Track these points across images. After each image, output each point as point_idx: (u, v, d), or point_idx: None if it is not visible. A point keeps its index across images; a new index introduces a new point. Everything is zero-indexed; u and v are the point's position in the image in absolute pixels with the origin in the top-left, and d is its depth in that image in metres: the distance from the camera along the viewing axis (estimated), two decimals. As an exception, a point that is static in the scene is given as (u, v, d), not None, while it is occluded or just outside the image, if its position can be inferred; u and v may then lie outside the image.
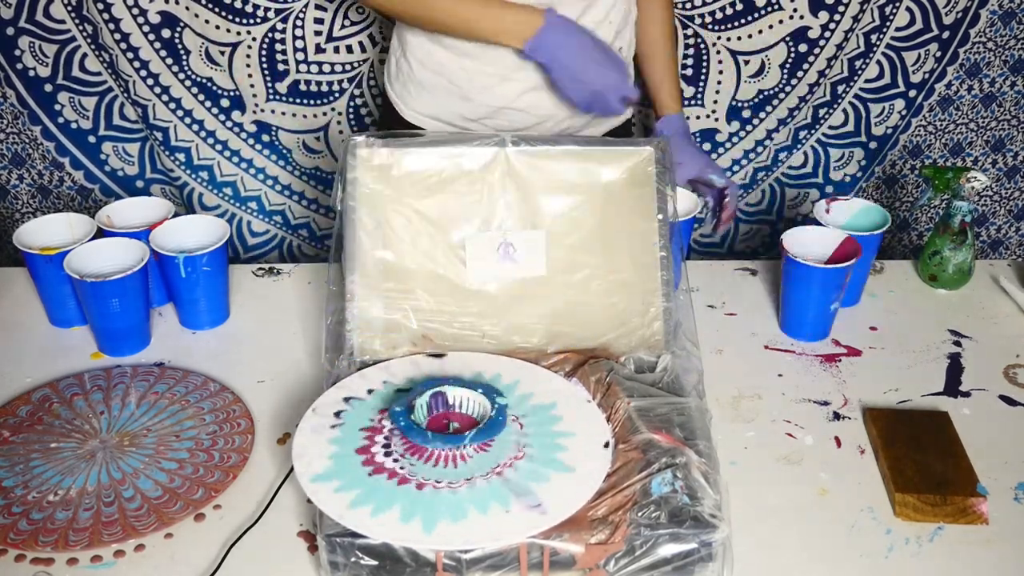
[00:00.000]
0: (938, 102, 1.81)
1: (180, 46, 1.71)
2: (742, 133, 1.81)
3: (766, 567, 0.93)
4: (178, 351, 1.23)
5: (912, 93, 1.79)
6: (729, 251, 1.95)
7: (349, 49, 1.73)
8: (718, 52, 1.73)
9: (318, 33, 1.71)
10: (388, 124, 1.44)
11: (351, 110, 1.78)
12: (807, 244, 1.26)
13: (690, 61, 1.74)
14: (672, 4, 1.45)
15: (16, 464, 1.03)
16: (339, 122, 1.80)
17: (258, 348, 1.24)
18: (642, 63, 1.45)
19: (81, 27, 1.70)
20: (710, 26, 1.71)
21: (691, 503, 0.90)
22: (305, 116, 1.79)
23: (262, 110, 1.78)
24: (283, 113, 1.78)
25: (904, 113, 1.80)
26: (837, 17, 1.69)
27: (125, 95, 1.76)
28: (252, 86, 1.75)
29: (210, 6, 1.67)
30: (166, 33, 1.69)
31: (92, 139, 1.81)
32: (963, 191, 1.33)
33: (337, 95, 1.77)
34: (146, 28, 1.68)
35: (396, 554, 0.86)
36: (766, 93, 1.77)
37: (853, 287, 1.32)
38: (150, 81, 1.72)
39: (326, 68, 1.74)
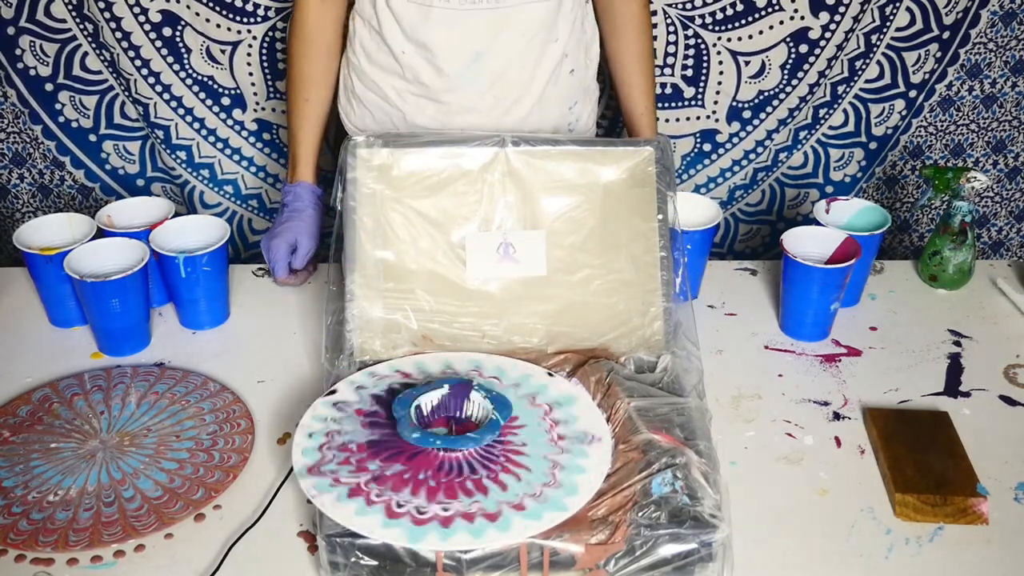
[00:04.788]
0: (938, 103, 1.80)
1: (181, 45, 1.71)
2: (742, 134, 1.80)
3: (766, 567, 0.93)
4: (178, 351, 1.23)
5: (912, 93, 1.78)
6: (729, 251, 1.95)
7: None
8: (718, 53, 1.73)
9: (319, 32, 1.71)
10: (341, 136, 1.45)
11: (351, 110, 1.78)
12: (807, 244, 1.26)
13: (690, 62, 1.74)
14: (649, 31, 1.43)
15: (16, 464, 1.03)
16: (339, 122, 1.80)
17: (258, 348, 1.24)
18: (620, 90, 1.45)
19: (82, 26, 1.70)
20: (710, 27, 1.71)
21: (691, 503, 0.90)
22: (305, 116, 1.79)
23: (263, 108, 1.78)
24: (283, 112, 1.78)
25: (904, 113, 1.80)
26: (838, 18, 1.69)
27: (126, 94, 1.76)
28: (253, 85, 1.75)
29: (211, 5, 1.67)
30: (167, 32, 1.69)
31: (93, 138, 1.81)
32: (963, 191, 1.33)
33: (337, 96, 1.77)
34: (147, 27, 1.68)
35: (396, 554, 0.86)
36: (766, 94, 1.77)
37: (853, 287, 1.32)
38: (151, 80, 1.72)
39: (326, 68, 1.74)
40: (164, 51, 1.70)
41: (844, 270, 1.21)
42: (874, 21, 1.70)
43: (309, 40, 1.35)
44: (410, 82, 1.32)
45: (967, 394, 1.17)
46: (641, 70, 1.42)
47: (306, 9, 1.35)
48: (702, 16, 1.70)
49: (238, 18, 1.69)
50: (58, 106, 1.77)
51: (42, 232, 1.29)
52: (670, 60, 1.74)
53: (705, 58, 1.74)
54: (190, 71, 1.73)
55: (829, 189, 1.88)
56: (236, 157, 1.82)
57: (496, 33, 1.27)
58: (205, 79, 1.74)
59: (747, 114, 1.79)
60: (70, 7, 1.68)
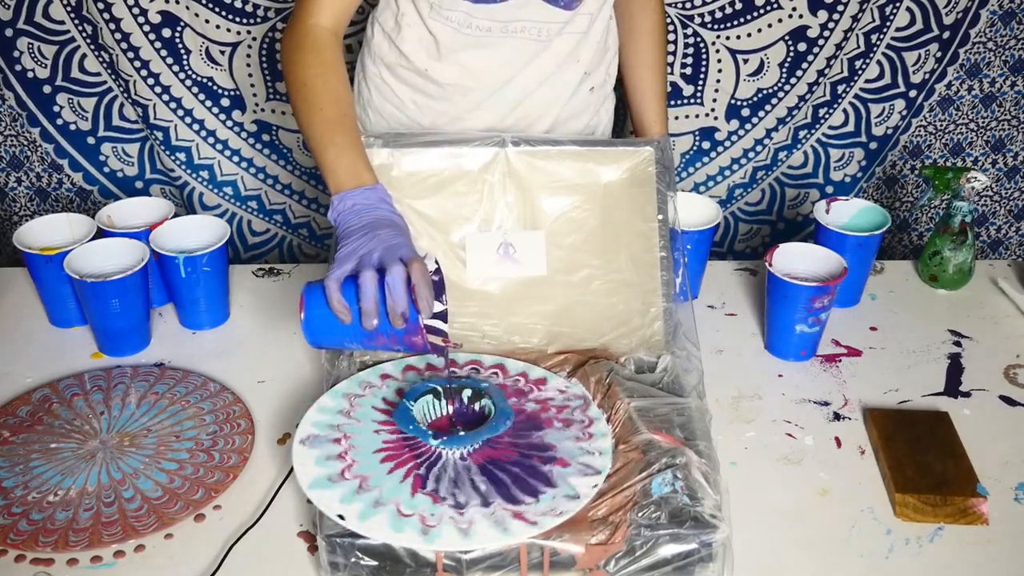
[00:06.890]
0: (938, 102, 1.80)
1: (180, 46, 1.70)
2: (741, 132, 1.80)
3: (766, 567, 0.93)
4: (178, 351, 1.23)
5: (912, 93, 1.79)
6: (729, 251, 1.95)
7: (349, 49, 1.72)
8: (717, 51, 1.73)
9: (318, 33, 1.71)
10: None
11: (351, 110, 1.78)
12: (809, 261, 1.23)
13: (689, 60, 1.74)
14: (664, 41, 1.41)
15: (16, 464, 1.03)
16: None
17: (258, 348, 1.24)
18: (631, 96, 1.40)
19: (80, 27, 1.70)
20: (709, 25, 1.71)
21: (691, 503, 0.90)
22: (305, 116, 1.79)
23: (262, 110, 1.78)
24: (283, 113, 1.78)
25: (904, 113, 1.80)
26: (836, 16, 1.69)
27: (125, 95, 1.76)
28: (252, 86, 1.75)
29: (210, 6, 1.67)
30: (166, 33, 1.69)
31: (91, 140, 1.81)
32: (963, 191, 1.33)
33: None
34: (146, 28, 1.68)
35: (396, 554, 0.86)
36: (765, 92, 1.77)
37: (853, 287, 1.32)
38: (150, 81, 1.72)
39: (326, 68, 1.74)
40: (163, 52, 1.70)
41: (808, 290, 1.16)
42: (874, 21, 1.70)
43: (328, 58, 1.15)
44: (433, 98, 1.29)
45: (967, 394, 1.17)
46: (655, 77, 1.39)
47: (320, 15, 1.15)
48: (701, 15, 1.70)
49: (237, 19, 1.68)
50: (56, 108, 1.77)
51: (42, 232, 1.29)
52: (669, 58, 1.73)
53: (704, 56, 1.74)
54: (189, 72, 1.73)
55: (829, 189, 1.88)
56: (236, 159, 1.82)
57: (530, 60, 1.24)
58: (204, 80, 1.74)
59: (746, 112, 1.79)
60: (68, 8, 1.68)
